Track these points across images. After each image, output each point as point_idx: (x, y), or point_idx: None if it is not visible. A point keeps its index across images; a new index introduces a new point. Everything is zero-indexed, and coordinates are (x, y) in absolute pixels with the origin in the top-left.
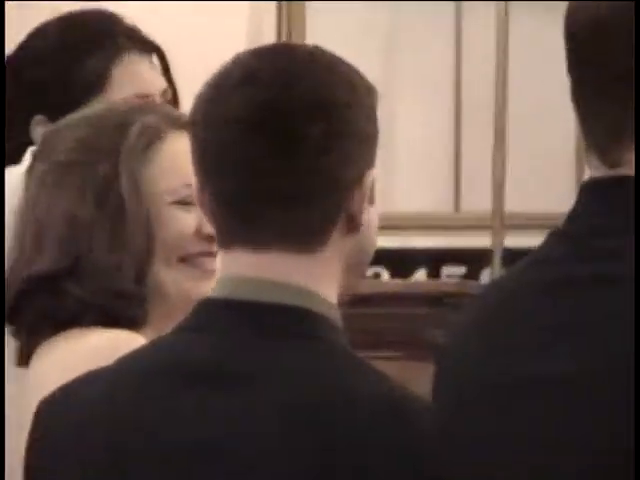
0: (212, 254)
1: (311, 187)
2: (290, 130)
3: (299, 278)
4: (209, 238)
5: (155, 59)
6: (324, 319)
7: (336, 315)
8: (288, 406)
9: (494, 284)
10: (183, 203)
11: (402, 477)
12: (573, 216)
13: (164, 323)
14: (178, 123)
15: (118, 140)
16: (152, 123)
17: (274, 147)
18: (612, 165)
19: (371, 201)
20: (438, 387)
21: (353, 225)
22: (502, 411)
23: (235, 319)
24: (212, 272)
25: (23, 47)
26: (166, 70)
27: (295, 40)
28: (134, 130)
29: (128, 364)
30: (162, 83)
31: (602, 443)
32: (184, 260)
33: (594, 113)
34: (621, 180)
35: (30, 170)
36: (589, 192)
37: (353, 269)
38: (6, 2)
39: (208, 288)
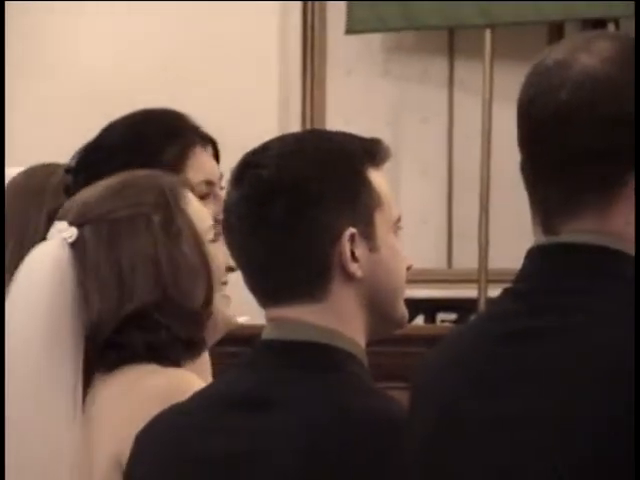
0: (226, 283)
1: (286, 256)
2: (256, 213)
3: (318, 321)
4: (228, 269)
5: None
6: (346, 353)
7: (360, 352)
8: (313, 426)
9: (460, 332)
10: (214, 241)
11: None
12: (523, 277)
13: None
14: (186, 184)
15: (157, 197)
16: (174, 184)
17: (251, 229)
18: (554, 233)
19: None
20: (412, 418)
21: (347, 274)
22: (473, 444)
23: (273, 356)
24: (229, 299)
25: (96, 144)
26: (217, 158)
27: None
28: (167, 189)
29: (196, 396)
30: (219, 171)
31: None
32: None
33: (545, 187)
34: (562, 246)
35: (81, 235)
36: (536, 256)
37: (377, 310)
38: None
39: (232, 312)
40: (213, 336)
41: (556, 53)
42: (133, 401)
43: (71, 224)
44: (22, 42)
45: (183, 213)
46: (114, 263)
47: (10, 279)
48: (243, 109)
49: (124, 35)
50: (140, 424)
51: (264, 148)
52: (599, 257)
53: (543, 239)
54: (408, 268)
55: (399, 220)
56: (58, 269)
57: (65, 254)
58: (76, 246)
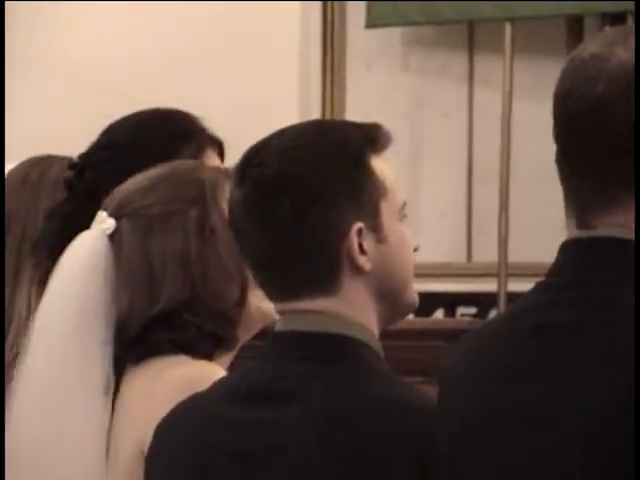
0: None
1: (294, 254)
2: (261, 212)
3: (333, 311)
4: None
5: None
6: (361, 343)
7: (375, 342)
8: (328, 418)
9: (489, 324)
10: None
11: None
12: (556, 270)
13: (242, 340)
14: (229, 175)
15: (195, 192)
16: (217, 177)
17: (257, 227)
18: (588, 227)
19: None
20: (441, 413)
21: (356, 268)
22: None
23: (287, 348)
24: None
25: (104, 142)
26: (222, 160)
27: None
28: (207, 183)
29: (216, 386)
30: None
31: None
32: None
33: (578, 180)
34: (597, 240)
35: (119, 227)
36: (570, 250)
37: (387, 299)
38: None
39: (269, 307)
40: (249, 331)
41: (592, 46)
42: (157, 391)
43: (110, 215)
44: (23, 41)
45: (219, 209)
46: (146, 259)
47: (10, 274)
48: (264, 104)
49: (140, 32)
50: (164, 414)
51: (264, 145)
52: (632, 251)
53: (577, 232)
54: (415, 249)
55: (404, 206)
56: (93, 260)
57: (103, 246)
58: (114, 238)
